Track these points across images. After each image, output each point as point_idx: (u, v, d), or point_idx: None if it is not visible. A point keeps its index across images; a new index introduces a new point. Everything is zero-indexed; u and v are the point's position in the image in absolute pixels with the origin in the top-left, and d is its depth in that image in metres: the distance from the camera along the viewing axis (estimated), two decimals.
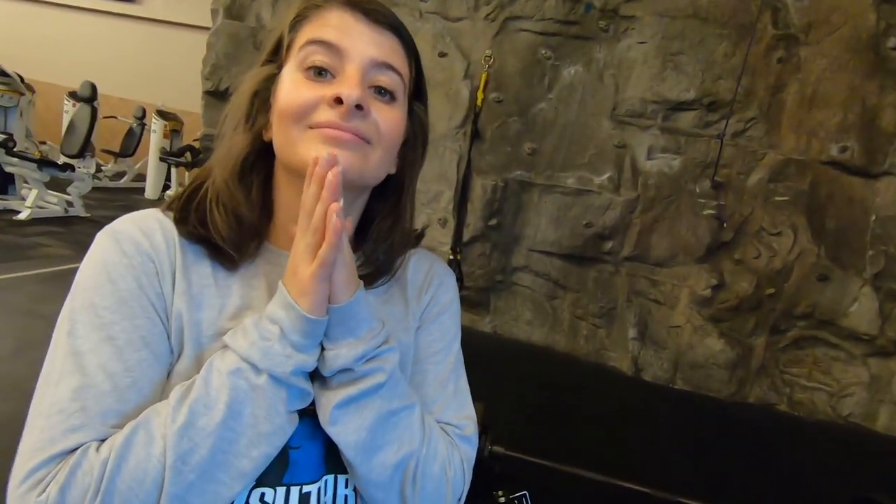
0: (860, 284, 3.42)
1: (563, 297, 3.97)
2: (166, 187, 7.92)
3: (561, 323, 3.98)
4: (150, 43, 10.31)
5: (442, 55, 3.94)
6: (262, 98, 0.53)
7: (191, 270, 0.49)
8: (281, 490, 0.47)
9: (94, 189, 6.32)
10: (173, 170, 7.71)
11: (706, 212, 3.61)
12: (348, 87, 0.46)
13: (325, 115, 0.47)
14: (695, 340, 3.66)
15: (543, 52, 3.82)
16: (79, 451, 0.41)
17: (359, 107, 0.47)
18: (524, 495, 2.09)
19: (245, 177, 0.52)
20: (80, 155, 6.29)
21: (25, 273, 3.73)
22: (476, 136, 3.81)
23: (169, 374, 0.47)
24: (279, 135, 0.50)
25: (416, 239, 0.62)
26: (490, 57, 3.83)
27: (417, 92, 0.57)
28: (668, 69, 3.63)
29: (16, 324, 2.92)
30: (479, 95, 3.82)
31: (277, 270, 0.51)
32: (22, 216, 5.24)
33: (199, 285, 0.49)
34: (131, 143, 8.74)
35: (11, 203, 5.45)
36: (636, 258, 3.81)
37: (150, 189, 8.13)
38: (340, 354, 0.46)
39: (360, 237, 0.57)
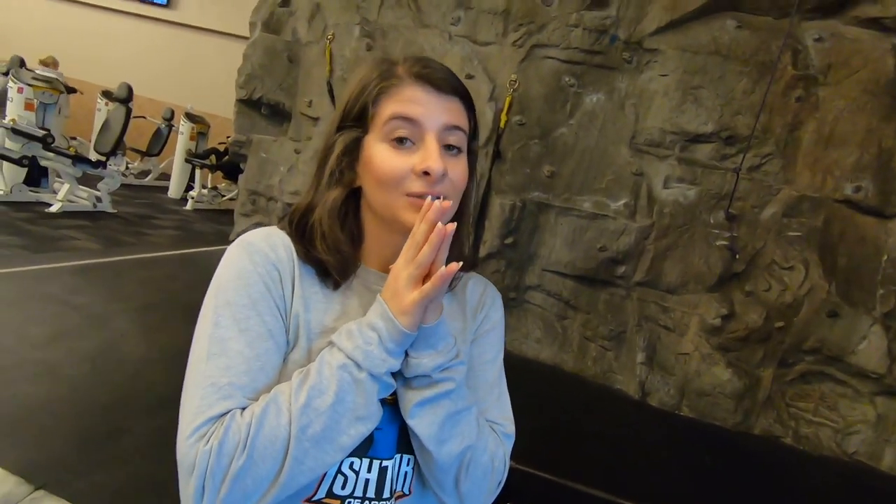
0: (870, 323, 3.46)
1: (573, 317, 4.04)
2: (189, 188, 8.13)
3: (570, 343, 4.05)
4: (182, 47, 10.65)
5: (469, 77, 4.08)
6: (350, 156, 0.63)
7: (304, 279, 0.63)
8: (365, 461, 0.59)
9: (121, 186, 6.53)
10: (197, 171, 7.92)
11: (719, 242, 3.68)
12: (433, 160, 0.58)
13: (417, 185, 0.59)
14: (702, 368, 3.70)
15: (567, 79, 3.94)
16: (228, 415, 0.53)
17: (442, 174, 0.59)
18: None
19: (341, 219, 0.64)
20: (113, 153, 6.51)
21: (59, 265, 3.89)
22: (497, 156, 3.92)
23: (285, 360, 0.60)
24: (376, 195, 0.62)
25: (472, 263, 0.72)
26: (515, 81, 3.95)
27: (474, 133, 0.67)
28: (687, 102, 3.74)
29: (51, 312, 3.06)
30: (503, 118, 3.94)
31: (368, 286, 0.65)
32: (53, 209, 5.43)
33: (310, 292, 0.62)
34: (158, 143, 8.99)
35: (43, 196, 5.66)
36: (648, 284, 3.88)
37: (174, 188, 8.34)
38: (422, 364, 0.58)
39: None
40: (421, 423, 0.58)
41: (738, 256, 3.66)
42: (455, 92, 0.62)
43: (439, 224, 0.54)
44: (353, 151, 0.63)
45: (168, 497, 1.75)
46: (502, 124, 3.92)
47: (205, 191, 8.03)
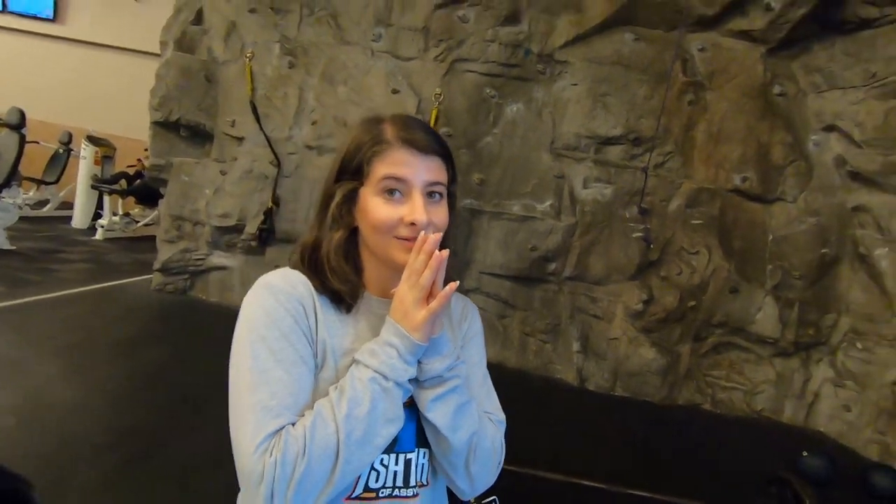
0: (763, 295, 3.96)
1: (512, 315, 4.26)
2: (97, 216, 7.55)
3: (511, 340, 4.26)
4: (74, 64, 9.85)
5: (394, 92, 4.19)
6: (348, 204, 0.76)
7: (323, 309, 0.73)
8: (392, 456, 0.72)
9: (18, 219, 5.95)
10: (106, 198, 7.37)
11: (635, 235, 4.05)
12: (418, 214, 0.70)
13: (405, 231, 0.72)
14: (630, 351, 4.05)
15: (488, 91, 4.17)
16: (282, 431, 0.63)
17: (426, 224, 0.72)
18: (493, 500, 2.29)
19: (346, 255, 0.76)
20: (7, 184, 5.93)
21: None
22: None
23: (316, 379, 0.70)
24: (372, 237, 0.74)
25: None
26: (440, 94, 4.13)
27: (453, 177, 0.80)
28: (597, 108, 4.09)
29: None
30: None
31: (372, 310, 0.77)
32: None
33: (329, 319, 0.73)
34: (55, 170, 8.26)
35: None
36: (576, 278, 4.18)
37: (79, 218, 7.71)
38: (434, 367, 0.71)
39: None
40: (437, 415, 0.70)
41: (652, 246, 4.05)
42: (435, 152, 0.74)
43: (436, 252, 0.67)
44: (351, 199, 0.75)
45: None
46: None
47: (116, 218, 7.49)
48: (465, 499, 0.79)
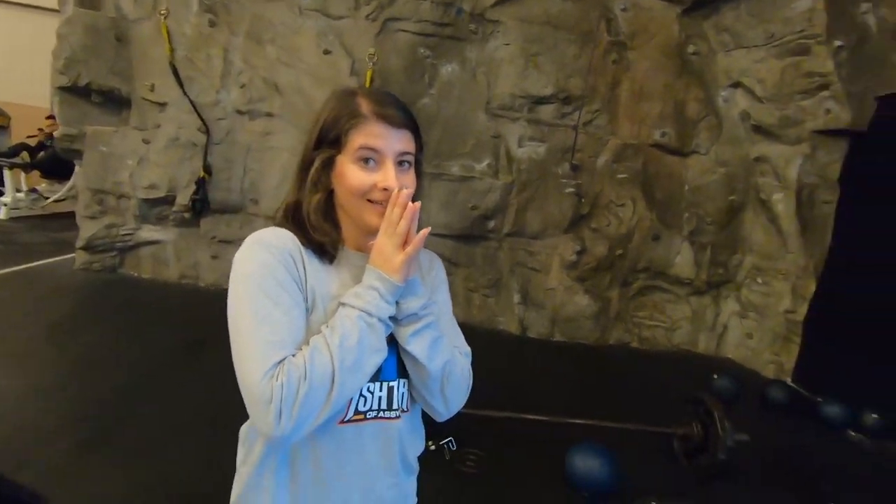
0: (681, 240, 4.37)
1: (456, 273, 4.43)
2: None
3: (456, 297, 4.41)
4: None
5: (327, 52, 4.08)
6: (326, 168, 0.84)
7: (310, 261, 0.82)
8: (377, 384, 0.83)
9: None
10: (6, 173, 6.68)
11: (568, 190, 4.29)
12: (391, 180, 0.80)
13: (378, 195, 0.81)
14: (566, 299, 4.36)
15: (422, 51, 4.16)
16: (284, 361, 0.72)
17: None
18: (449, 440, 2.49)
19: (325, 214, 0.84)
20: None
21: None
22: None
23: (307, 321, 0.79)
24: (348, 200, 0.83)
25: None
26: (374, 55, 4.07)
27: (419, 147, 0.89)
28: (530, 68, 4.20)
29: None
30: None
31: (351, 262, 0.87)
32: None
33: (316, 269, 0.82)
34: None
35: None
36: (515, 234, 4.39)
37: None
38: (411, 306, 0.82)
39: None
40: (415, 347, 0.82)
41: (583, 200, 4.31)
42: (405, 126, 0.83)
43: (410, 203, 0.77)
44: (329, 166, 0.84)
45: None
46: None
47: (21, 195, 6.84)
48: (440, 420, 0.90)
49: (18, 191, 6.84)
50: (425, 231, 0.78)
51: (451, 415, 0.90)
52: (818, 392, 3.59)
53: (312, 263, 0.82)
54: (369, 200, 0.81)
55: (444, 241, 4.32)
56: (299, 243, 0.81)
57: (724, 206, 4.32)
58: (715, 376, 3.56)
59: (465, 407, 2.72)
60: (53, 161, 6.62)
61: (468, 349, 0.95)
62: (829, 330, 3.74)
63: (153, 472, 2.02)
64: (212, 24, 4.13)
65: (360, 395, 0.82)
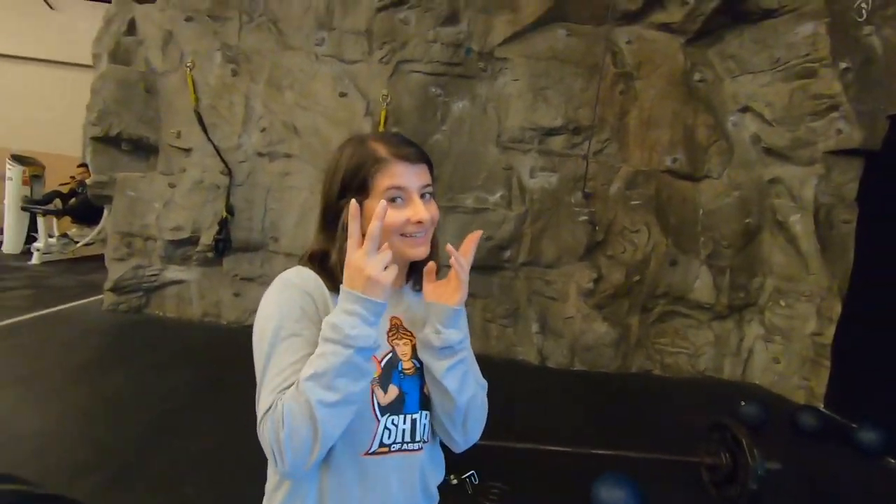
0: (698, 265, 4.34)
1: (473, 304, 4.44)
2: (31, 239, 7.14)
3: (474, 328, 4.45)
4: None
5: (342, 95, 4.26)
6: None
7: (333, 301, 0.83)
8: (401, 416, 0.85)
9: None
10: (39, 219, 6.98)
11: (581, 218, 4.33)
12: (422, 213, 0.83)
13: (412, 229, 0.84)
14: (585, 327, 4.33)
15: (434, 90, 4.31)
16: (273, 405, 0.74)
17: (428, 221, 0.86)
18: (472, 474, 2.47)
19: None
20: None
21: None
22: None
23: None
24: (385, 241, 0.83)
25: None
26: (387, 96, 4.24)
27: (433, 177, 0.94)
28: (538, 101, 4.32)
29: None
30: (381, 130, 4.20)
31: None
32: None
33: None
34: None
35: None
36: (531, 263, 4.41)
37: (10, 242, 7.27)
38: (452, 338, 0.83)
39: (413, 268, 0.95)
40: (450, 381, 0.84)
41: (597, 228, 4.33)
42: (422, 160, 0.88)
43: (379, 209, 0.75)
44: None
45: None
46: None
47: (52, 240, 7.12)
48: (458, 451, 0.93)
49: (51, 236, 7.12)
50: (387, 252, 0.77)
51: (469, 446, 0.92)
52: (853, 417, 3.47)
53: (331, 302, 0.83)
54: (402, 235, 0.84)
55: None
56: (323, 284, 0.84)
57: (740, 229, 4.30)
58: (742, 403, 3.47)
59: (486, 439, 2.69)
60: (84, 207, 6.92)
61: (484, 381, 0.97)
62: (860, 352, 3.64)
63: None
64: (234, 73, 4.36)
65: (385, 427, 0.83)
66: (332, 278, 0.84)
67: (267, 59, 4.37)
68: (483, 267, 4.40)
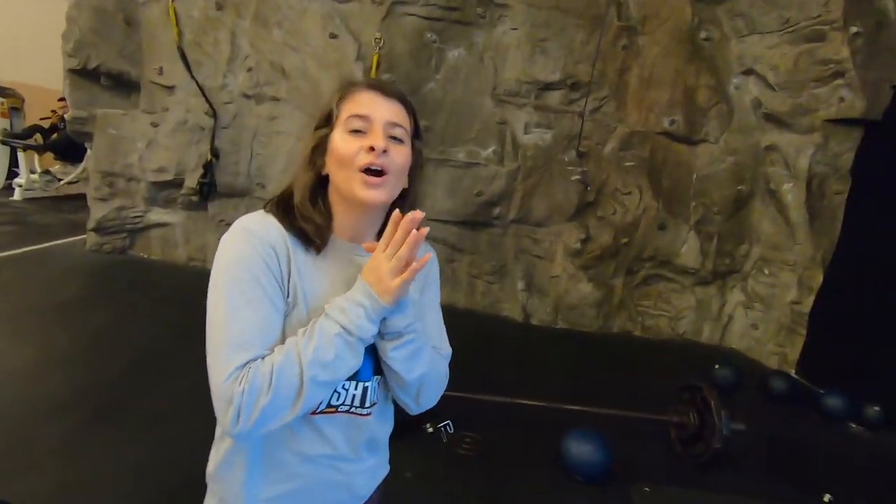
0: (687, 230, 4.33)
1: (460, 259, 4.44)
2: (13, 174, 6.96)
3: (460, 283, 4.47)
4: None
5: (333, 36, 4.06)
6: (320, 149, 0.82)
7: (296, 253, 0.79)
8: (353, 382, 0.83)
9: None
10: (20, 154, 6.78)
11: (573, 178, 4.27)
12: (377, 139, 0.78)
13: (365, 159, 0.77)
14: (570, 286, 4.36)
15: (429, 35, 4.12)
16: (252, 364, 0.72)
17: (384, 151, 0.78)
18: (447, 423, 2.53)
19: (314, 198, 0.82)
20: None
21: None
22: None
23: (287, 317, 0.78)
24: (338, 174, 0.80)
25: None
26: (380, 39, 4.05)
27: (416, 133, 0.86)
28: (537, 53, 4.15)
29: None
30: (373, 75, 4.03)
31: (343, 255, 0.84)
32: None
33: (302, 263, 0.80)
34: None
35: None
36: (520, 220, 4.38)
37: None
38: (396, 324, 0.79)
39: (382, 231, 0.87)
40: (395, 361, 0.81)
41: (589, 188, 4.28)
42: (398, 97, 0.81)
43: (415, 231, 0.74)
44: (322, 146, 0.81)
45: (97, 495, 1.78)
46: None
47: (35, 176, 6.95)
48: (411, 413, 0.91)
49: (32, 172, 6.94)
50: (424, 259, 0.75)
51: (422, 411, 0.91)
52: (821, 384, 3.58)
53: (299, 256, 0.79)
54: (359, 170, 0.78)
55: (448, 227, 4.33)
56: (285, 233, 0.79)
57: (731, 196, 4.27)
58: (717, 366, 3.56)
59: (463, 391, 2.72)
60: (66, 143, 6.69)
61: (449, 350, 0.95)
62: (835, 322, 3.71)
63: (157, 448, 2.08)
64: (219, 6, 4.12)
65: (335, 391, 0.82)
66: (291, 216, 0.80)
67: None
68: (472, 222, 4.36)
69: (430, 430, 2.48)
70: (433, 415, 2.51)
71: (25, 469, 1.90)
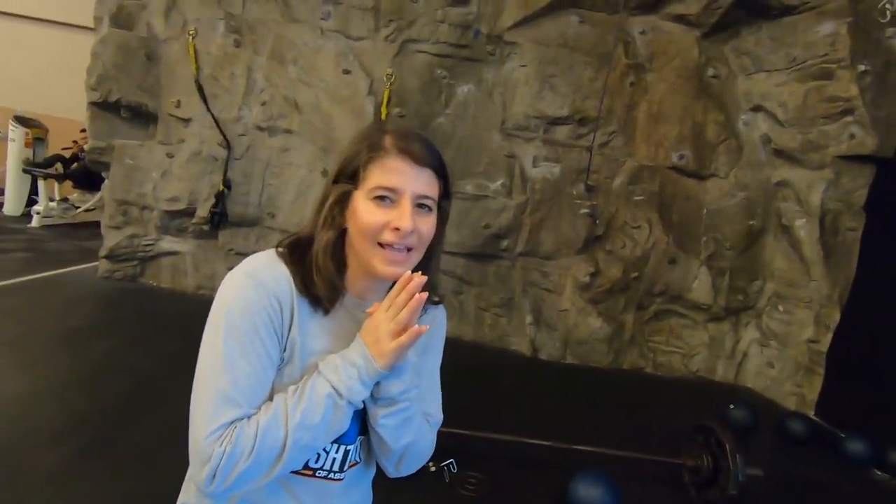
0: (698, 265, 4.27)
1: (468, 291, 4.41)
2: (32, 202, 7.13)
3: (467, 315, 4.42)
4: None
5: (346, 72, 4.17)
6: (341, 205, 0.78)
7: (301, 309, 0.76)
8: (335, 445, 0.79)
9: None
10: (40, 182, 6.96)
11: (582, 211, 4.26)
12: (405, 220, 0.73)
13: (389, 236, 0.74)
14: (579, 321, 4.29)
15: (439, 71, 4.22)
16: (238, 423, 0.69)
17: (410, 231, 0.74)
18: (450, 462, 2.45)
19: (333, 254, 0.78)
20: None
21: None
22: None
23: (280, 371, 0.75)
24: (357, 240, 0.77)
25: (438, 297, 0.90)
26: (391, 75, 4.15)
27: (446, 193, 0.82)
28: (545, 89, 4.22)
29: None
30: (383, 111, 4.12)
31: (349, 311, 0.81)
32: None
33: (305, 320, 0.76)
34: None
35: None
36: (528, 253, 4.36)
37: (11, 204, 7.26)
38: (391, 390, 0.76)
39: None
40: (384, 428, 0.78)
41: (597, 221, 4.27)
42: (429, 165, 0.76)
43: (418, 295, 0.71)
44: (344, 202, 0.77)
45: None
46: (383, 116, 4.10)
47: (53, 204, 7.11)
48: (389, 476, 0.88)
49: (51, 200, 7.11)
50: (423, 328, 0.71)
51: (399, 476, 0.88)
52: (843, 426, 3.43)
53: (302, 312, 0.76)
54: (380, 245, 0.74)
55: (456, 260, 4.32)
56: (294, 286, 0.75)
57: (743, 231, 4.22)
58: (731, 406, 3.44)
59: (468, 428, 2.65)
60: (85, 172, 6.88)
61: (440, 418, 0.91)
62: (855, 361, 3.59)
63: (148, 481, 2.03)
64: (237, 44, 4.27)
65: (317, 452, 0.78)
66: (306, 274, 0.76)
67: (271, 30, 4.27)
68: (480, 255, 4.35)
69: (433, 468, 2.40)
70: (436, 453, 2.42)
71: (21, 497, 1.86)
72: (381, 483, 0.94)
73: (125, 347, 3.31)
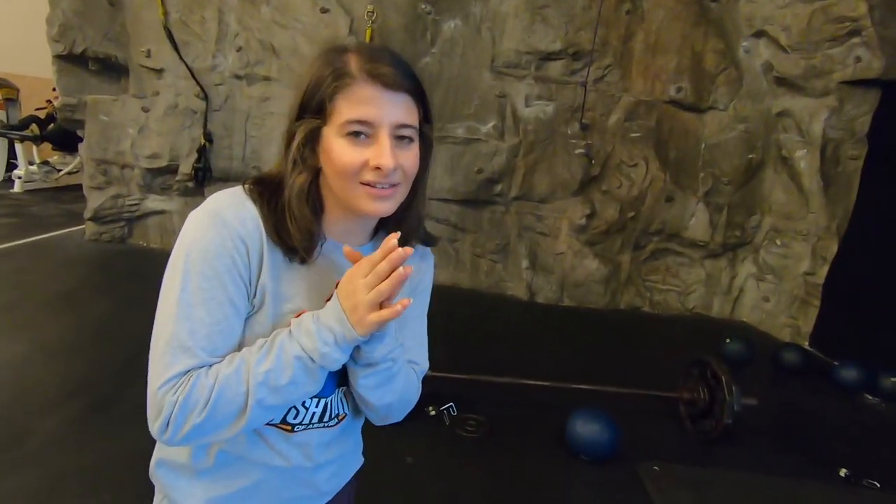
0: (695, 202, 4.20)
1: (462, 239, 4.35)
2: (12, 166, 6.91)
3: (463, 262, 4.39)
4: None
5: (324, 11, 3.92)
6: (311, 144, 0.68)
7: (272, 252, 0.68)
8: (314, 400, 0.74)
9: None
10: (18, 146, 6.72)
11: (577, 151, 4.13)
12: (385, 158, 0.64)
13: (370, 176, 0.66)
14: (576, 263, 4.27)
15: (423, 6, 3.96)
16: (193, 373, 0.63)
17: (393, 169, 0.66)
18: (450, 406, 2.48)
19: (308, 197, 0.69)
20: None
21: None
22: None
23: (249, 320, 0.68)
24: (336, 182, 0.68)
25: (425, 235, 0.82)
26: (372, 12, 3.89)
27: (426, 117, 0.72)
28: (536, 21, 3.99)
29: None
30: None
31: (326, 256, 0.72)
32: None
33: (277, 264, 0.69)
34: None
35: None
36: (522, 197, 4.27)
37: None
38: (373, 355, 0.69)
39: (383, 223, 0.77)
40: (365, 389, 0.72)
41: (593, 161, 4.15)
42: (404, 89, 0.67)
43: (401, 268, 0.62)
44: (314, 140, 0.68)
45: (92, 486, 1.75)
46: None
47: (34, 168, 6.90)
48: (375, 424, 0.83)
49: (31, 163, 6.90)
50: (405, 307, 0.64)
51: (385, 424, 0.82)
52: (835, 356, 3.48)
53: (274, 256, 0.68)
54: (362, 183, 0.66)
55: (449, 206, 4.23)
56: (263, 229, 0.67)
57: (742, 165, 4.12)
58: (727, 340, 3.47)
59: (467, 372, 2.63)
60: (63, 133, 6.61)
61: (426, 365, 0.85)
62: (850, 292, 3.60)
63: (149, 441, 2.03)
64: None
65: (293, 407, 0.73)
66: (279, 222, 0.67)
67: None
68: (473, 201, 4.26)
69: (433, 412, 2.42)
70: (436, 397, 2.45)
71: (21, 460, 1.86)
72: (383, 428, 0.89)
73: (118, 310, 3.28)
